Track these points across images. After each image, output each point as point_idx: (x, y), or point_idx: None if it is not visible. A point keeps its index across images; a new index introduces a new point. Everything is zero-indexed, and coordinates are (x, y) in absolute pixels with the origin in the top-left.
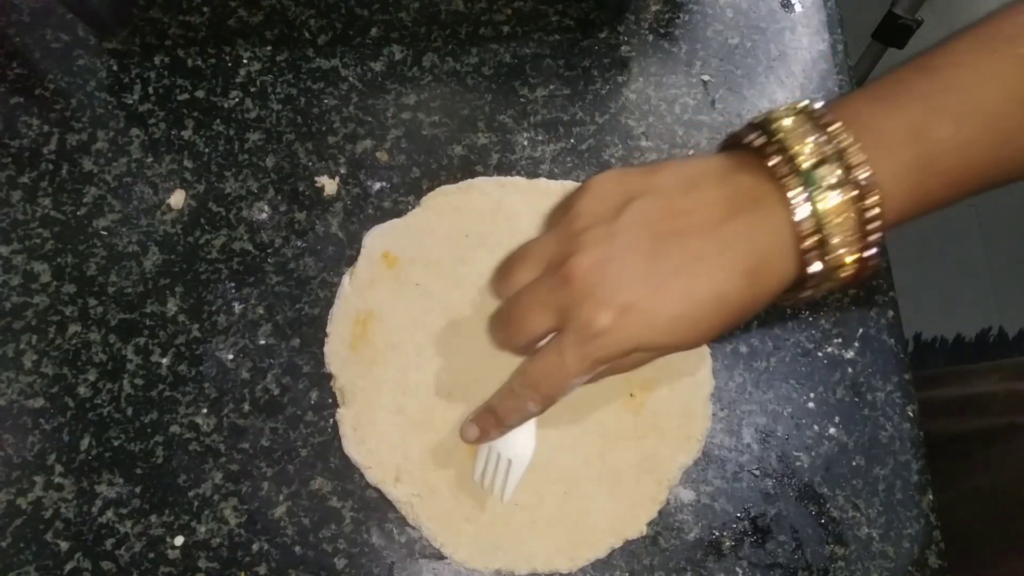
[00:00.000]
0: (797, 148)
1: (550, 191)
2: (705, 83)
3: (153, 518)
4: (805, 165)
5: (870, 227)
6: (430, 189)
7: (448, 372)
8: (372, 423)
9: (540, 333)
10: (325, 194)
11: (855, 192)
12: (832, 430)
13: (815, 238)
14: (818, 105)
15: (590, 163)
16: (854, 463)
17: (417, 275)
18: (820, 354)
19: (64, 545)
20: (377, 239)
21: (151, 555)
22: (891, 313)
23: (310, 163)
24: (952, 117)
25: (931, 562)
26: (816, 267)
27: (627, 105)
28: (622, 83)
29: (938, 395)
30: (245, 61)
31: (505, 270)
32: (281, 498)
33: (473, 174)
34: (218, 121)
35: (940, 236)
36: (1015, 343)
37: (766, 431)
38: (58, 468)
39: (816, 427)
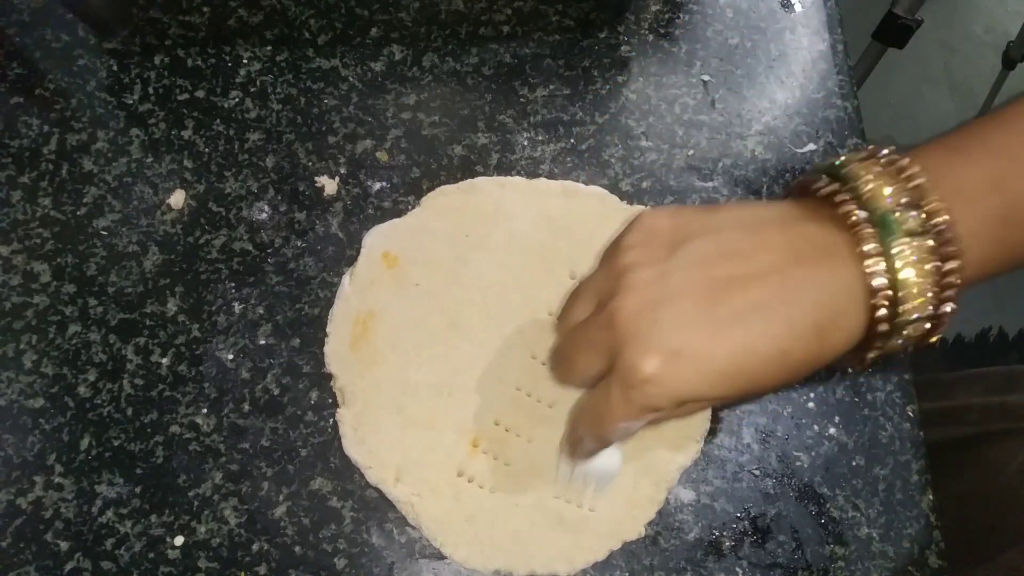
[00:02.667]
0: (872, 194)
1: (550, 191)
2: (705, 83)
3: (153, 518)
4: (880, 211)
5: (947, 281)
6: (430, 189)
7: (448, 372)
8: (372, 423)
9: (591, 374)
10: (325, 194)
11: (933, 242)
12: (832, 430)
13: (888, 292)
14: (888, 151)
15: (590, 163)
16: (854, 463)
17: (417, 275)
18: None
19: (64, 545)
20: (377, 239)
21: (151, 555)
22: None
23: (310, 163)
24: None
25: (931, 562)
26: (886, 325)
27: (627, 105)
28: (622, 83)
29: (920, 407)
30: (245, 61)
31: (565, 305)
32: (281, 498)
33: (473, 174)
34: (218, 121)
35: None
36: (1015, 343)
37: (766, 431)
38: (58, 468)
39: (816, 427)
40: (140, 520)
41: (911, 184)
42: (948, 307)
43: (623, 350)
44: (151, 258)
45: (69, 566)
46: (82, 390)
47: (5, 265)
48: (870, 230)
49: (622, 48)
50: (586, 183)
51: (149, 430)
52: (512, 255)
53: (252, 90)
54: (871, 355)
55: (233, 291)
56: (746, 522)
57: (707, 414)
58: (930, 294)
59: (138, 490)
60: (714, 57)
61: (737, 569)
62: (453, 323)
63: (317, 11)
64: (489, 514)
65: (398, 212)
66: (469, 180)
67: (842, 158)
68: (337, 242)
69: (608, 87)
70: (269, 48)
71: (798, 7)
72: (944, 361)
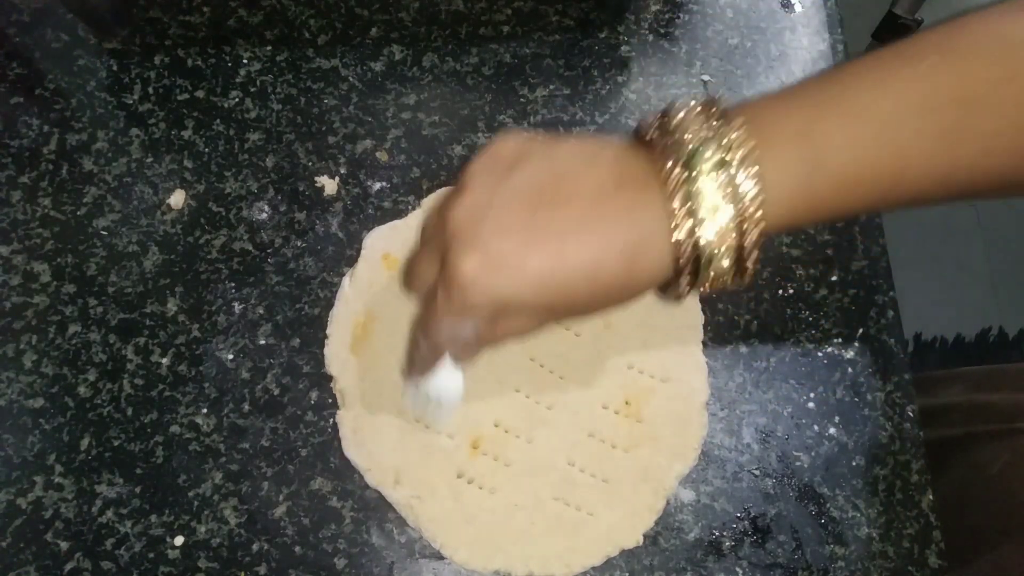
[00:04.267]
0: (685, 134)
1: None
2: (705, 83)
3: (153, 518)
4: (688, 148)
5: (748, 223)
6: (430, 189)
7: None
8: (372, 425)
9: (428, 278)
10: (325, 194)
11: (733, 181)
12: (832, 430)
13: (688, 227)
14: (723, 101)
15: None
16: (854, 463)
17: None
18: (820, 354)
19: (64, 545)
20: (377, 240)
21: (151, 555)
22: (891, 313)
23: (310, 163)
24: (841, 117)
25: (931, 562)
26: (688, 259)
27: (627, 105)
28: (622, 83)
29: None
30: (245, 61)
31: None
32: (281, 498)
33: None
34: (218, 121)
35: (940, 236)
36: (1015, 343)
37: (766, 431)
38: (58, 468)
39: (816, 427)
40: (140, 520)
41: (724, 127)
42: (749, 249)
43: (448, 251)
44: (151, 258)
45: (69, 566)
46: (82, 390)
47: (5, 265)
48: (678, 169)
49: (622, 48)
50: None
51: (149, 430)
52: None
53: (252, 90)
54: (680, 291)
55: (233, 291)
56: (746, 522)
57: (704, 420)
58: (731, 233)
59: (138, 490)
60: (714, 57)
61: (737, 569)
62: None
63: (317, 11)
64: (489, 515)
65: (398, 212)
66: None
67: (676, 102)
68: (337, 242)
69: (608, 87)
70: (269, 48)
71: (798, 7)
72: (944, 360)
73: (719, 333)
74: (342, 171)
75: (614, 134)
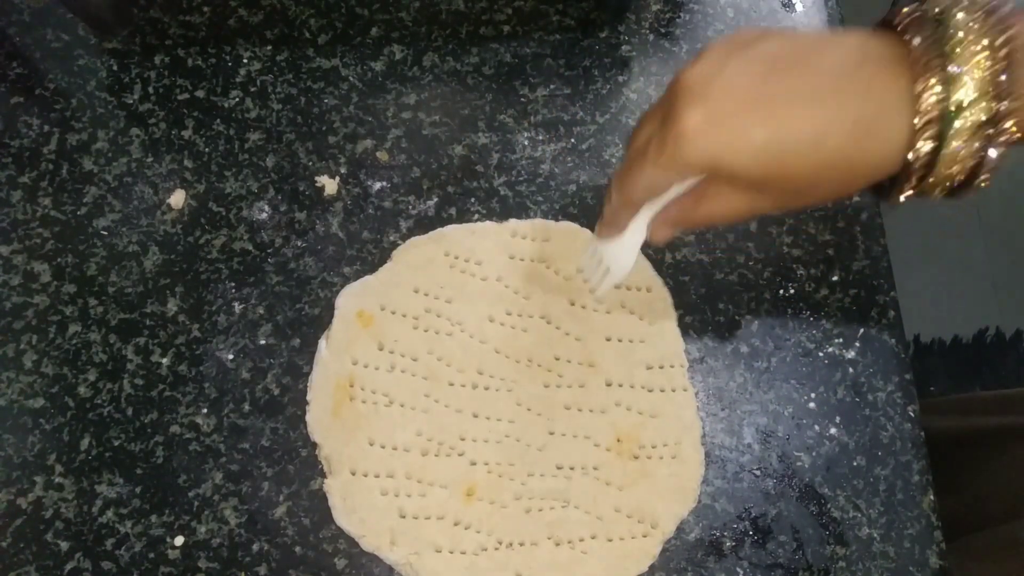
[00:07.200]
0: (950, 25)
1: (519, 231)
2: None
3: (153, 518)
4: (951, 45)
5: (1000, 127)
6: (430, 189)
7: (435, 427)
8: (361, 490)
9: (645, 137)
10: (325, 194)
11: (996, 79)
12: (833, 430)
13: (933, 113)
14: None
15: (590, 163)
16: (855, 463)
17: (394, 332)
18: (821, 354)
19: (64, 545)
20: (350, 299)
21: (151, 555)
22: (892, 313)
23: (310, 163)
24: None
25: (932, 562)
26: (929, 145)
27: (628, 105)
28: (623, 83)
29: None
30: (245, 61)
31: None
32: (281, 498)
33: (474, 174)
34: (218, 121)
35: (940, 236)
36: (1012, 343)
37: (767, 431)
38: (58, 468)
39: (817, 427)
40: (140, 520)
41: (997, 23)
42: (994, 152)
43: (673, 105)
44: (151, 258)
45: (69, 566)
46: (82, 390)
47: (5, 265)
48: (936, 53)
49: (623, 48)
50: (587, 183)
51: (149, 430)
52: (487, 303)
53: (252, 90)
54: (908, 190)
55: (233, 291)
56: (747, 522)
57: (699, 457)
58: (978, 133)
59: (138, 490)
60: None
61: (738, 569)
62: (435, 377)
63: (317, 11)
64: (487, 559)
65: (398, 212)
66: (438, 229)
67: None
68: (337, 242)
69: (609, 87)
70: (269, 48)
71: (799, 7)
72: (943, 361)
73: (719, 333)
74: (342, 171)
75: (615, 134)
